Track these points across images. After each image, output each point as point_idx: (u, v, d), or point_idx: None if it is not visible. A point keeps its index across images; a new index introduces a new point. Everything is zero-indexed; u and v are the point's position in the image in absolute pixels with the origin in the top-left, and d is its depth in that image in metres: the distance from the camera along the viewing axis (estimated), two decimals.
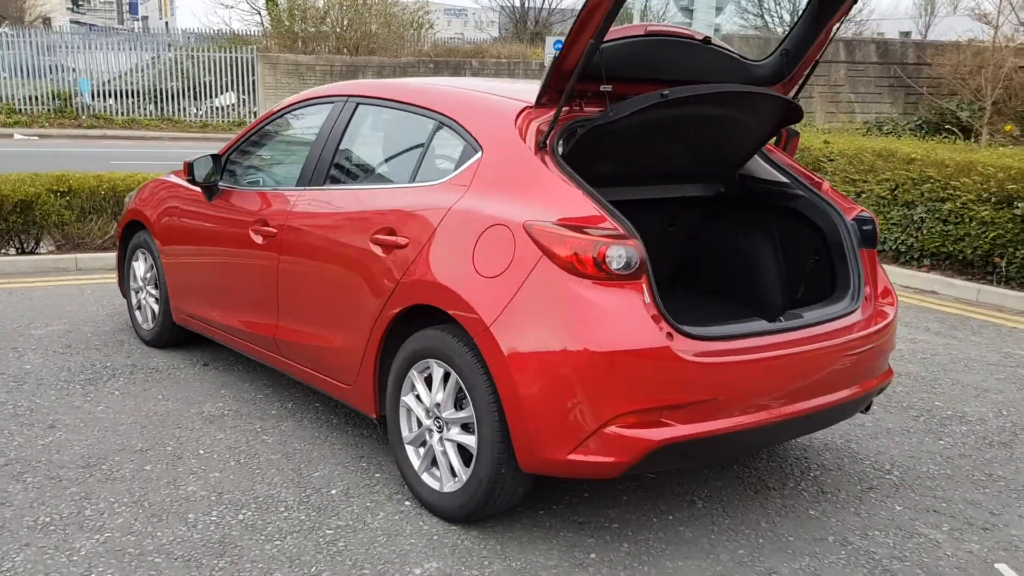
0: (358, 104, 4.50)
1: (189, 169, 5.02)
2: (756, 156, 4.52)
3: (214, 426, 4.65)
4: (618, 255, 3.27)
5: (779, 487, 4.19)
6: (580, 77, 3.62)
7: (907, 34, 40.14)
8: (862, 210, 4.27)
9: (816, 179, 4.42)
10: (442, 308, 3.60)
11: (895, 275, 8.74)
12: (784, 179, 4.43)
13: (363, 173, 4.54)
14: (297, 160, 4.75)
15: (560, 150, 3.67)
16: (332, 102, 4.66)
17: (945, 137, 12.20)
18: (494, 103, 3.96)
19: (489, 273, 3.46)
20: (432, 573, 3.36)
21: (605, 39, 3.69)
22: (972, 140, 13.32)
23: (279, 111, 5.08)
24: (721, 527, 3.80)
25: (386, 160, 4.58)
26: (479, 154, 3.77)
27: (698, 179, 4.61)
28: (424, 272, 3.70)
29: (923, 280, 8.62)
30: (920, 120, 15.75)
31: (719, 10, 11.57)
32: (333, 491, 3.97)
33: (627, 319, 3.27)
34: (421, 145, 4.10)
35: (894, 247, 9.13)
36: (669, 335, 3.32)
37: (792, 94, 4.34)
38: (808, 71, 4.28)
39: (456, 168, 3.85)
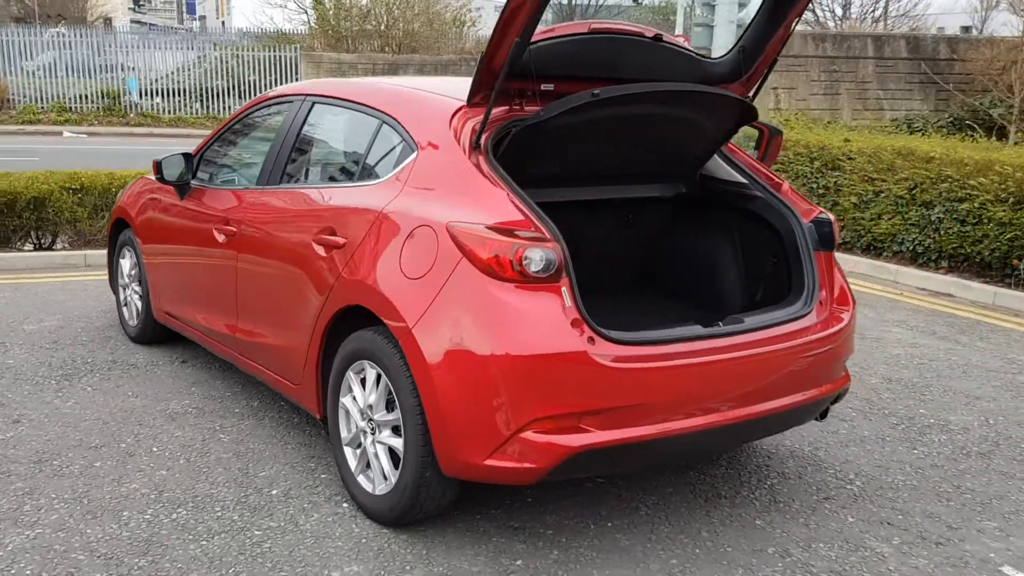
0: (314, 103, 4.50)
1: (158, 168, 5.06)
2: (716, 156, 4.41)
3: (175, 423, 4.68)
4: (536, 258, 3.20)
5: (731, 495, 4.08)
6: (519, 76, 3.57)
7: (967, 29, 39.12)
8: (820, 212, 4.13)
9: (776, 180, 4.29)
10: (371, 309, 3.57)
11: (912, 277, 8.49)
12: (743, 179, 4.31)
13: (313, 172, 4.53)
14: (259, 159, 4.76)
15: (495, 150, 3.60)
16: (291, 101, 4.67)
17: (969, 135, 11.82)
18: (432, 102, 3.92)
19: (414, 275, 3.43)
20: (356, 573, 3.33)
21: (543, 38, 3.63)
22: (1002, 138, 12.89)
23: (246, 110, 5.11)
24: (660, 535, 3.71)
25: (333, 159, 4.57)
26: (415, 154, 3.74)
27: (658, 179, 4.51)
28: (356, 272, 3.67)
29: (940, 282, 8.35)
30: (951, 118, 15.29)
31: (742, 5, 11.33)
32: (274, 491, 3.96)
33: (544, 323, 3.20)
34: (365, 144, 4.08)
35: (911, 248, 8.87)
36: (590, 340, 3.24)
37: (752, 92, 4.23)
38: (767, 68, 4.15)
39: (394, 168, 3.82)
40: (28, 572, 3.28)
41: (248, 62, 26.20)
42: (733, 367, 3.53)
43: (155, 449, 4.37)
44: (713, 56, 4.20)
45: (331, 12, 27.53)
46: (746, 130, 5.50)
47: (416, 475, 3.45)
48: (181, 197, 5.19)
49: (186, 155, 5.13)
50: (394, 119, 3.91)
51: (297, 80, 26.36)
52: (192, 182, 5.15)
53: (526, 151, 3.71)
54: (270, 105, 4.92)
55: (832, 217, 4.12)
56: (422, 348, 3.32)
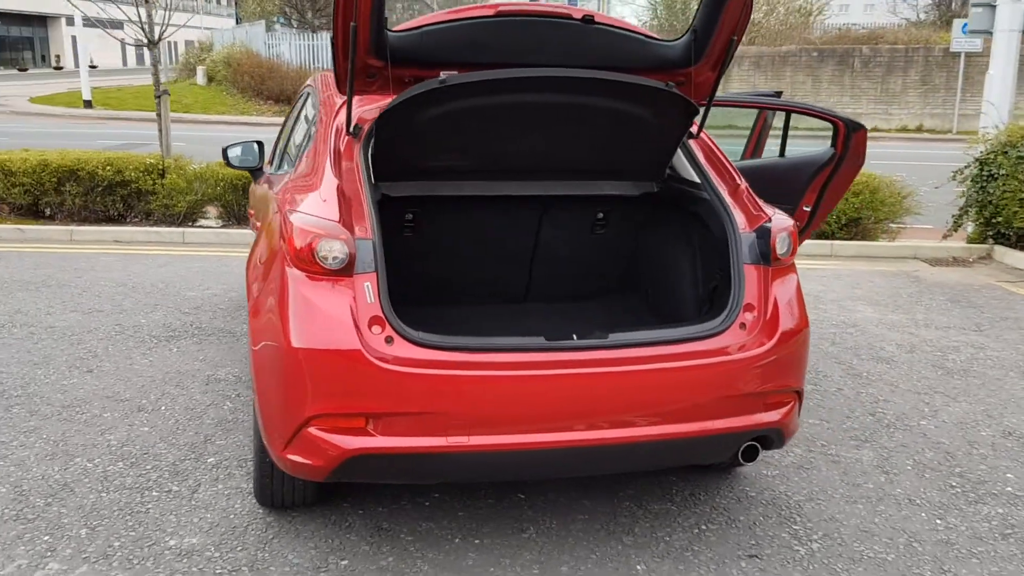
0: (309, 93, 4.65)
1: (223, 153, 5.51)
2: (681, 153, 3.88)
3: (202, 388, 5.10)
4: (329, 249, 3.08)
5: (627, 528, 3.61)
6: (407, 62, 3.46)
7: None
8: (767, 220, 3.48)
9: (733, 181, 3.69)
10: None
11: None
12: (697, 179, 3.76)
13: (292, 158, 4.68)
14: (286, 145, 5.03)
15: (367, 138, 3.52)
16: (307, 89, 4.87)
17: None
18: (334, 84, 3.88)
19: (263, 261, 3.47)
20: (185, 547, 3.45)
21: (436, 21, 3.48)
22: None
23: (298, 96, 5.39)
24: (502, 565, 3.39)
25: (299, 145, 4.68)
26: (312, 140, 3.76)
27: (626, 177, 4.06)
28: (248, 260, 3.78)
29: None
30: None
31: None
32: (210, 460, 4.19)
33: (330, 317, 3.07)
34: (303, 131, 4.16)
35: None
36: (388, 339, 3.06)
37: (716, 77, 3.67)
38: (727, 51, 3.57)
39: (301, 154, 3.86)
40: None
41: None
42: (577, 386, 3.12)
43: (163, 408, 4.80)
44: (666, 39, 3.69)
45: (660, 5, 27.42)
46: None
47: (258, 460, 3.50)
48: (255, 182, 5.62)
49: (257, 142, 5.52)
50: (318, 105, 3.95)
51: None
52: (264, 168, 5.53)
53: (404, 142, 3.56)
54: (300, 96, 5.15)
55: (782, 226, 3.45)
56: (250, 335, 3.36)
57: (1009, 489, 4.08)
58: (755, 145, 5.69)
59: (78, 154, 9.70)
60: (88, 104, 28.43)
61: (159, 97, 11.18)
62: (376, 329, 3.07)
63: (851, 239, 9.49)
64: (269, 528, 3.60)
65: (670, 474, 4.10)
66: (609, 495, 3.91)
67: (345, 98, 3.58)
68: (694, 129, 3.90)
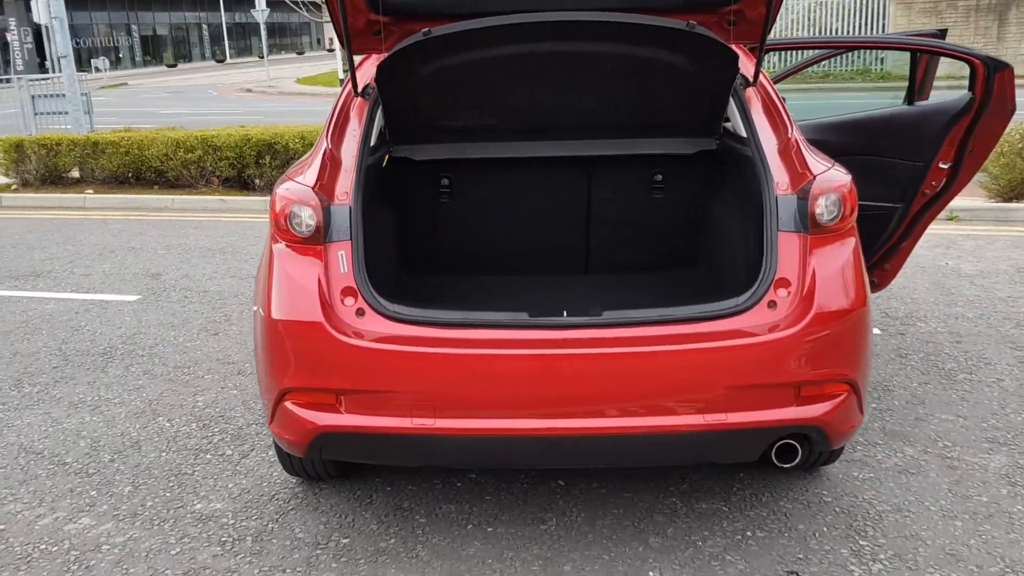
0: None
1: None
2: (734, 103, 3.38)
3: (240, 369, 5.17)
4: (297, 215, 2.95)
5: (660, 528, 3.21)
6: (419, 16, 3.27)
7: None
8: (812, 179, 2.93)
9: (784, 134, 3.15)
10: None
11: None
12: (744, 133, 3.25)
13: None
14: None
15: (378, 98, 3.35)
16: None
17: None
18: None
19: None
20: (207, 512, 3.50)
21: None
22: None
23: None
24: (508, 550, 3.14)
25: None
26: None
27: (676, 132, 3.60)
28: None
29: None
30: None
31: None
32: (232, 426, 4.22)
33: (299, 288, 2.93)
34: None
35: None
36: (360, 312, 2.89)
37: (768, 13, 3.15)
38: None
39: None
40: None
41: (832, 9, 25.14)
42: (563, 369, 2.80)
43: (197, 378, 4.87)
44: None
45: None
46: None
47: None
48: None
49: None
50: None
51: (883, 24, 24.58)
52: None
53: (413, 99, 3.34)
54: None
55: (827, 186, 2.90)
56: (253, 304, 3.31)
57: None
58: (916, 94, 4.90)
59: (277, 129, 10.27)
60: (342, 82, 30.26)
61: None
62: (349, 301, 2.90)
63: None
64: (293, 499, 3.56)
65: (737, 469, 3.64)
66: (656, 488, 3.52)
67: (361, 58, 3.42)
68: (751, 75, 3.37)
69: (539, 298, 3.44)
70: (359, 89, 3.38)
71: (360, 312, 2.88)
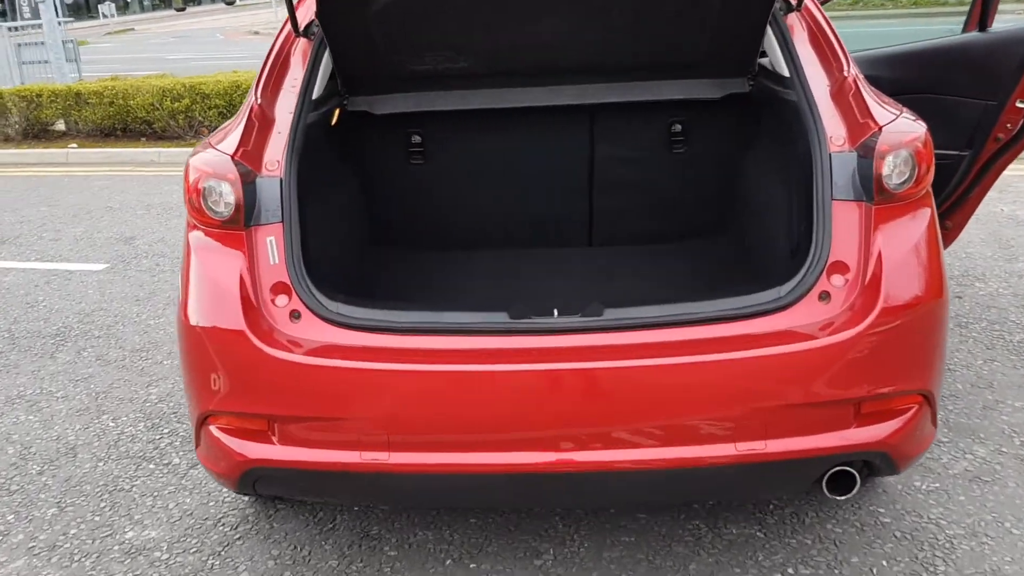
0: None
1: None
2: (772, 34, 2.68)
3: None
4: (213, 193, 2.31)
5: (680, 563, 2.61)
6: None
7: None
8: (877, 130, 2.25)
9: (839, 72, 2.45)
10: None
11: None
12: (786, 72, 2.56)
13: None
14: None
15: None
16: None
17: None
18: None
19: None
20: (137, 543, 2.94)
21: None
22: None
23: None
24: None
25: None
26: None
27: (699, 71, 2.91)
28: None
29: None
30: None
31: None
32: (183, 426, 3.65)
33: (216, 285, 2.32)
34: None
35: None
36: (295, 315, 2.27)
37: None
38: None
39: None
40: None
41: None
42: (552, 387, 2.17)
43: (155, 365, 4.29)
44: None
45: None
46: None
47: None
48: None
49: None
50: None
51: None
52: None
53: (367, 37, 2.67)
54: None
55: (899, 140, 2.21)
56: None
57: None
58: (979, 17, 4.14)
59: None
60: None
61: None
62: (281, 300, 2.28)
63: None
64: (242, 523, 2.99)
65: None
66: (678, 509, 2.91)
67: None
68: None
69: (529, 284, 2.82)
70: (300, 28, 2.71)
71: (295, 315, 2.26)
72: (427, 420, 2.18)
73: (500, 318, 2.23)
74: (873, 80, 2.71)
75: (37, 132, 10.43)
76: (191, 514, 3.06)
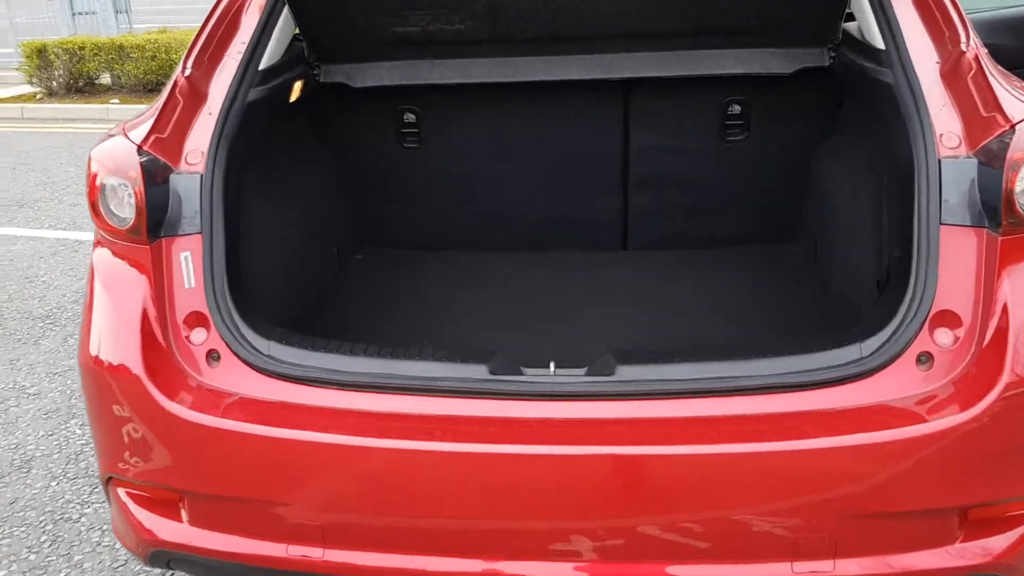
0: None
1: None
2: None
3: None
4: (111, 194, 1.78)
5: None
6: None
7: None
8: (1008, 129, 1.60)
9: (953, 46, 1.80)
10: None
11: None
12: (881, 43, 1.91)
13: None
14: None
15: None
16: None
17: None
18: None
19: None
20: None
21: None
22: None
23: None
24: None
25: None
26: None
27: (765, 39, 2.26)
28: None
29: None
30: None
31: None
32: None
33: (113, 315, 1.80)
34: None
35: None
36: (213, 356, 1.74)
37: None
38: None
39: None
40: None
41: None
42: (539, 473, 1.60)
43: None
44: None
45: None
46: None
47: None
48: None
49: None
50: None
51: None
52: None
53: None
54: None
55: None
56: None
57: None
58: None
59: None
60: None
61: None
62: (197, 336, 1.76)
63: None
64: None
65: None
66: None
67: None
68: None
69: (540, 301, 2.26)
70: None
71: (213, 356, 1.73)
72: (374, 509, 1.63)
73: (477, 372, 1.66)
74: (993, 51, 2.03)
75: (82, 86, 10.10)
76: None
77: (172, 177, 1.80)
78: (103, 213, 1.79)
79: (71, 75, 9.97)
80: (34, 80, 10.19)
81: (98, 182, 1.78)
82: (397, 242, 2.85)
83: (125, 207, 1.77)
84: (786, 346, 1.69)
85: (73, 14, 12.21)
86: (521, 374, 1.67)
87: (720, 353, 1.68)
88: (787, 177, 2.61)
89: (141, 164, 1.75)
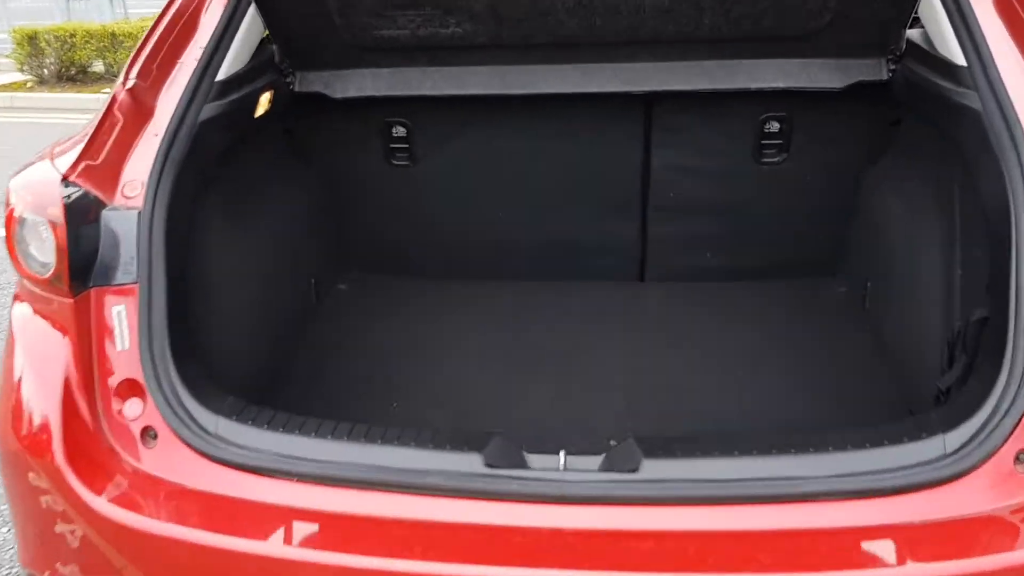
0: None
1: None
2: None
3: None
4: (28, 235, 1.47)
5: None
6: None
7: None
8: None
9: None
10: None
11: None
12: (961, 58, 1.59)
13: None
14: None
15: None
16: None
17: None
18: None
19: None
20: None
21: None
22: None
23: None
24: None
25: None
26: None
27: (811, 48, 1.95)
28: None
29: None
30: None
31: None
32: None
33: (28, 379, 1.48)
34: None
35: None
36: (149, 434, 1.43)
37: None
38: None
39: None
40: None
41: None
42: None
43: None
44: None
45: None
46: None
47: None
48: None
49: None
50: None
51: None
52: None
53: None
54: None
55: None
56: None
57: None
58: None
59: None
60: None
61: None
62: (131, 409, 1.44)
63: None
64: None
65: None
66: None
67: None
68: None
69: (546, 348, 1.96)
70: None
71: (150, 435, 1.42)
72: None
73: (471, 464, 1.35)
74: None
75: (73, 74, 9.76)
76: None
77: (105, 214, 1.49)
78: (19, 258, 1.48)
79: (62, 63, 9.63)
80: (25, 68, 9.86)
81: (16, 218, 1.47)
82: (385, 269, 2.54)
83: (46, 250, 1.46)
84: (850, 435, 1.38)
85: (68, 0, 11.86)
86: (523, 465, 1.36)
87: (770, 443, 1.36)
88: (830, 205, 2.29)
89: (64, 199, 1.43)
